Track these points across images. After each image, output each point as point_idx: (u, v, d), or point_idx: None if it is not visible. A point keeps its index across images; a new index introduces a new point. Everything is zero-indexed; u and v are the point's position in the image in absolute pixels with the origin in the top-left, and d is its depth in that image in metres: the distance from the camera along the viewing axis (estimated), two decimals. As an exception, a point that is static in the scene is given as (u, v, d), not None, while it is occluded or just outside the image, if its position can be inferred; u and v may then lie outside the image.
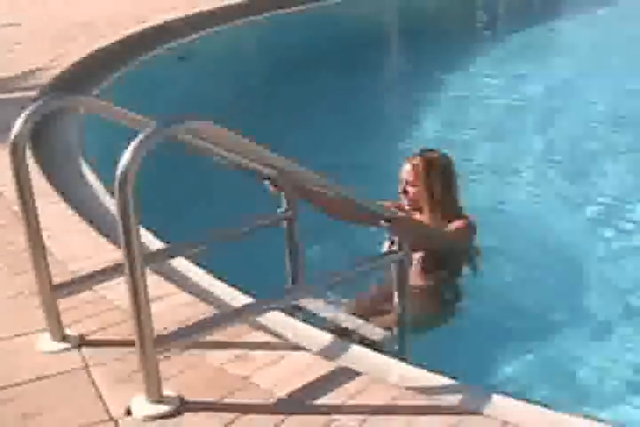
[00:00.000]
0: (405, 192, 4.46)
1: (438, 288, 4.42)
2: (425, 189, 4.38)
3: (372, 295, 4.46)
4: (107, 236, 4.43)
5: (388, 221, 3.66)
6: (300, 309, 3.98)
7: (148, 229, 4.46)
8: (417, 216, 4.47)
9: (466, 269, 4.60)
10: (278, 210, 3.84)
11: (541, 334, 4.59)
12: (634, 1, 15.40)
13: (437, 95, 10.09)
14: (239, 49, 12.24)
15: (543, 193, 6.88)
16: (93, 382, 3.07)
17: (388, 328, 3.84)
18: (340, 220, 4.57)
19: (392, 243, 3.69)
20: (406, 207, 4.50)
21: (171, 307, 3.60)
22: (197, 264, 4.19)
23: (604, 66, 11.20)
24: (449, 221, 4.39)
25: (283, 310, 3.71)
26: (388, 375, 3.14)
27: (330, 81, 10.38)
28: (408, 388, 3.01)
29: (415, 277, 4.28)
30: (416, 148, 4.74)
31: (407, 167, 4.46)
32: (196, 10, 12.48)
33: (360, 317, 4.01)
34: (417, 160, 4.44)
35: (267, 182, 3.79)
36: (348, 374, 3.09)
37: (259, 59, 12.10)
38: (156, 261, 3.84)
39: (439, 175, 4.41)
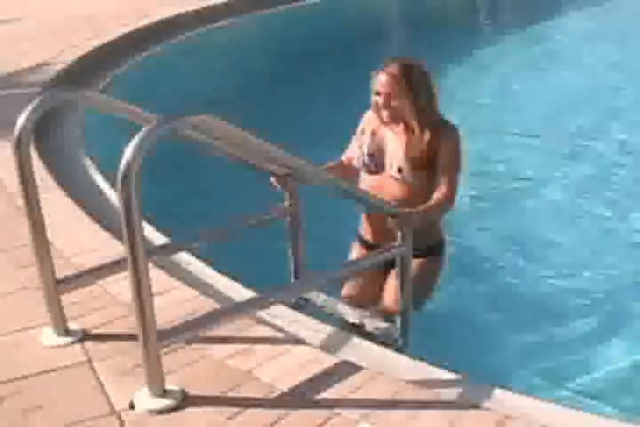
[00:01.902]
0: (389, 106, 3.94)
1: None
2: (407, 97, 3.90)
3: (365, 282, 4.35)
4: (110, 230, 4.43)
5: (394, 217, 3.64)
6: (305, 301, 3.98)
7: (150, 223, 4.47)
8: (400, 129, 4.04)
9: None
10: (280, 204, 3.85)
11: (543, 327, 4.60)
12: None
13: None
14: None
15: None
16: (96, 376, 3.08)
17: (389, 316, 3.85)
18: None
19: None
20: (385, 118, 3.99)
21: (173, 301, 3.61)
22: (200, 258, 4.20)
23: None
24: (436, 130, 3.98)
25: (285, 304, 3.72)
26: (391, 369, 3.15)
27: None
28: (409, 382, 3.02)
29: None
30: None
31: (384, 78, 3.92)
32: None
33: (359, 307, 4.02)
34: (394, 68, 3.92)
35: (272, 179, 3.77)
36: (349, 367, 3.10)
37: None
38: (160, 255, 3.85)
39: (421, 81, 3.96)
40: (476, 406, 2.85)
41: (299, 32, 12.30)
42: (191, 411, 2.84)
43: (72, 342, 3.32)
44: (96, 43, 9.76)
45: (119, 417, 2.82)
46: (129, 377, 3.05)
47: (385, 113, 3.96)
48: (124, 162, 2.55)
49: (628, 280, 5.19)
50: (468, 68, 11.32)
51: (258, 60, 11.08)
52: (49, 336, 3.36)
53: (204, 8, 12.31)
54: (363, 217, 4.27)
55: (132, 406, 2.87)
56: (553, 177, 7.06)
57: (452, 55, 11.40)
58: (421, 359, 3.27)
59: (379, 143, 4.08)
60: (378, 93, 3.95)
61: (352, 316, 3.93)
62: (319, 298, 4.00)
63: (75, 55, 9.11)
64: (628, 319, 4.75)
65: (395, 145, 4.03)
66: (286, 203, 3.82)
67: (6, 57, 9.37)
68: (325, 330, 3.52)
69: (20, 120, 3.06)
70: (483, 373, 3.51)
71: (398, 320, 3.82)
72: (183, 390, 2.93)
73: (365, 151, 4.07)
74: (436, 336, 4.22)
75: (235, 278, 3.99)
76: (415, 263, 3.92)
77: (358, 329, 3.87)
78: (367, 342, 3.45)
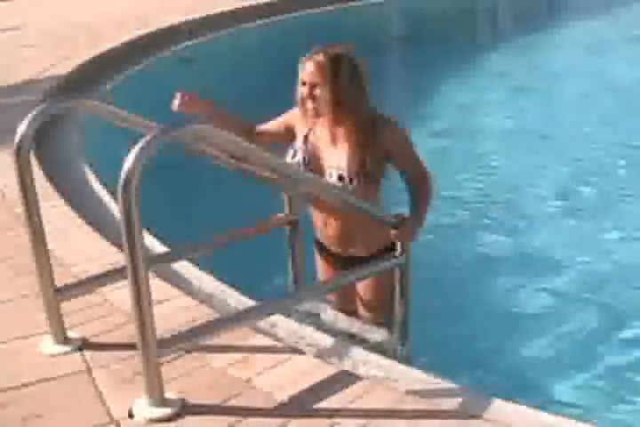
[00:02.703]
0: (312, 97, 3.57)
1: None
2: (332, 88, 3.52)
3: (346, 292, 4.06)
4: (110, 238, 4.44)
5: (395, 228, 3.50)
6: (303, 312, 3.98)
7: (150, 232, 4.47)
8: (323, 128, 3.70)
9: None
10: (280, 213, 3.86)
11: (541, 336, 4.61)
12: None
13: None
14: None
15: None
16: (95, 385, 3.08)
17: (380, 323, 3.84)
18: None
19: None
20: (310, 111, 3.61)
21: (173, 310, 3.61)
22: (200, 267, 4.20)
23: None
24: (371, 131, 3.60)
25: (285, 314, 3.72)
26: (390, 379, 3.14)
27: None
28: (409, 391, 3.02)
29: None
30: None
31: (310, 67, 3.56)
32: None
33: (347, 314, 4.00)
34: (321, 57, 3.56)
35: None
36: (349, 377, 3.10)
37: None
38: (160, 263, 3.85)
39: (348, 72, 3.55)
40: (476, 417, 2.85)
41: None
42: (190, 420, 2.84)
43: (71, 351, 3.32)
44: (95, 51, 9.80)
45: (118, 426, 2.82)
46: (128, 386, 3.05)
47: (309, 105, 3.59)
48: (124, 171, 2.55)
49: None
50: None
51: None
52: (48, 345, 3.35)
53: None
54: (315, 216, 3.87)
55: (130, 415, 2.86)
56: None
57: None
58: (421, 369, 3.27)
59: (313, 150, 3.71)
60: (303, 84, 3.60)
61: (349, 325, 3.92)
62: (317, 307, 3.99)
63: (75, 63, 9.13)
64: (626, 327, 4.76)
65: (331, 150, 3.68)
66: (286, 211, 3.82)
67: (6, 64, 9.40)
68: (325, 340, 3.51)
69: (21, 128, 3.06)
70: (482, 384, 3.52)
71: (397, 330, 3.81)
72: (182, 399, 2.93)
73: (300, 159, 3.70)
74: (435, 347, 4.22)
75: (234, 287, 3.99)
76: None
77: (357, 339, 3.86)
78: (366, 352, 3.44)
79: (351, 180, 3.59)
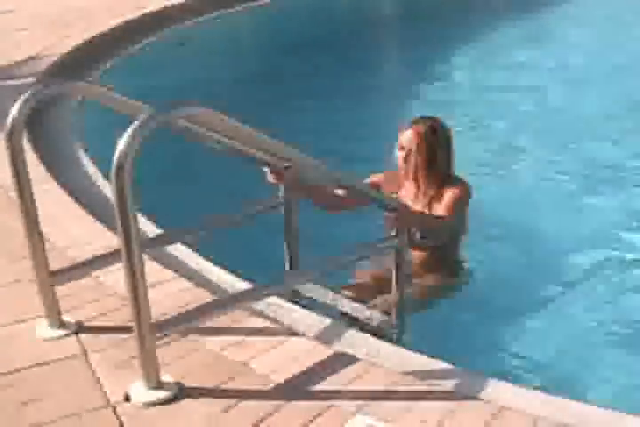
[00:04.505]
0: (407, 161, 4.30)
1: (438, 257, 4.40)
2: (426, 155, 4.25)
3: (365, 281, 4.42)
4: (104, 222, 4.42)
5: (393, 210, 3.65)
6: (298, 294, 3.98)
7: (145, 214, 4.46)
8: (410, 185, 4.38)
9: (465, 237, 4.52)
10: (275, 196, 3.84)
11: (541, 316, 4.59)
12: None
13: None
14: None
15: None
16: (92, 369, 3.08)
17: (387, 313, 3.84)
18: (338, 209, 4.52)
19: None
20: (402, 171, 4.37)
21: (169, 293, 3.60)
22: (195, 250, 4.19)
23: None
24: (442, 187, 4.31)
25: (281, 296, 3.71)
26: (387, 361, 3.14)
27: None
28: (406, 373, 3.02)
29: (413, 251, 4.27)
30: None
31: (409, 134, 4.28)
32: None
33: (359, 301, 4.01)
34: (420, 126, 4.28)
35: (266, 169, 3.77)
36: (346, 359, 3.09)
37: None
38: (154, 246, 3.84)
39: (442, 142, 4.29)
40: (472, 398, 2.85)
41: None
42: (187, 403, 2.84)
43: (66, 335, 3.31)
44: (88, 35, 9.74)
45: (114, 410, 2.81)
46: (124, 369, 3.04)
47: (402, 166, 4.31)
48: (117, 153, 2.53)
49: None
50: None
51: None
52: (43, 329, 3.35)
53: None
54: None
55: (127, 399, 2.86)
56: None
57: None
58: (417, 351, 3.26)
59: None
60: (402, 148, 4.28)
61: (346, 307, 3.92)
62: (314, 289, 3.98)
63: (68, 47, 9.08)
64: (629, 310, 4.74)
65: (415, 205, 4.28)
66: (282, 194, 3.81)
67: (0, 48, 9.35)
68: (321, 322, 3.51)
69: (12, 112, 3.05)
70: (479, 364, 3.51)
71: (394, 312, 3.81)
72: (179, 382, 2.92)
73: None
74: (432, 327, 4.22)
75: (229, 270, 3.98)
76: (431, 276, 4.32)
77: (354, 321, 3.86)
78: (363, 334, 3.44)
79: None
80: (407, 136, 4.27)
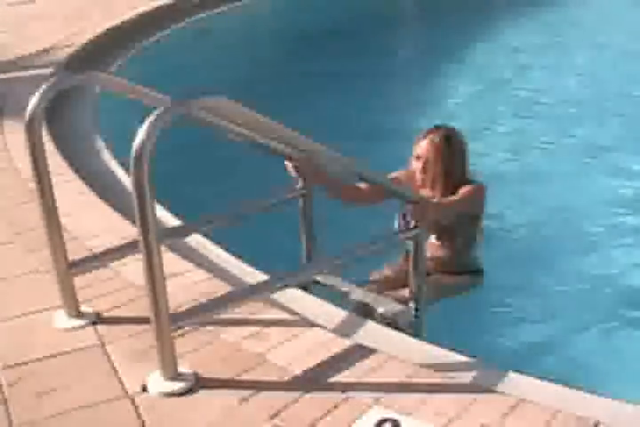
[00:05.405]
0: (424, 171, 4.30)
1: (453, 258, 4.39)
2: (442, 165, 4.26)
3: (387, 274, 4.43)
4: (123, 213, 4.43)
5: (414, 203, 3.73)
6: (317, 283, 3.97)
7: (163, 205, 4.46)
8: (427, 190, 4.37)
9: (480, 238, 4.54)
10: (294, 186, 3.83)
11: (559, 311, 4.58)
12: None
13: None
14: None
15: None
16: (109, 360, 3.08)
17: (404, 303, 3.84)
18: (352, 202, 4.50)
19: (405, 219, 3.73)
20: (419, 181, 4.36)
21: (186, 284, 3.60)
22: (213, 241, 4.19)
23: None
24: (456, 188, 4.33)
25: (298, 287, 3.71)
26: (403, 353, 3.13)
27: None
28: (423, 365, 3.01)
29: (430, 249, 4.26)
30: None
31: (425, 144, 4.29)
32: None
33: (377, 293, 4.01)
34: (435, 136, 4.28)
35: (287, 162, 3.76)
36: (362, 351, 3.09)
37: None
38: (172, 237, 3.84)
39: (457, 151, 4.31)
40: (490, 390, 2.84)
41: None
42: (204, 394, 2.84)
43: (84, 325, 3.32)
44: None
45: (132, 400, 2.82)
46: (141, 360, 3.05)
47: (419, 176, 4.32)
48: (136, 143, 2.53)
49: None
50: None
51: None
52: (61, 319, 3.36)
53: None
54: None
55: (144, 389, 2.86)
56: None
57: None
58: (435, 343, 3.26)
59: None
60: (418, 158, 4.31)
61: (365, 298, 3.91)
62: (332, 280, 3.98)
63: (85, 38, 9.09)
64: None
65: None
66: (300, 186, 3.80)
67: (18, 39, 9.36)
68: (339, 313, 3.50)
69: (32, 103, 3.05)
70: (497, 356, 3.50)
71: (412, 304, 3.81)
72: (196, 373, 2.93)
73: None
74: (449, 320, 4.22)
75: (247, 261, 3.98)
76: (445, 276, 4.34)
77: (372, 313, 3.85)
78: (380, 326, 3.43)
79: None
80: (423, 147, 4.29)
